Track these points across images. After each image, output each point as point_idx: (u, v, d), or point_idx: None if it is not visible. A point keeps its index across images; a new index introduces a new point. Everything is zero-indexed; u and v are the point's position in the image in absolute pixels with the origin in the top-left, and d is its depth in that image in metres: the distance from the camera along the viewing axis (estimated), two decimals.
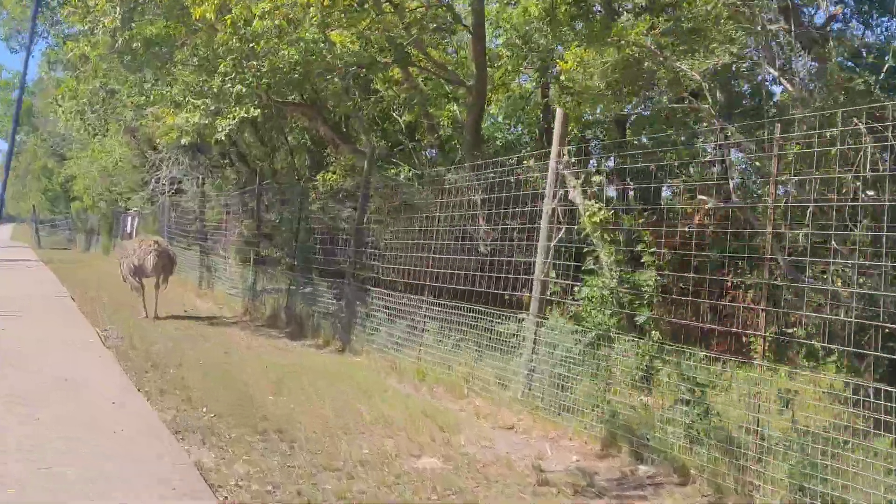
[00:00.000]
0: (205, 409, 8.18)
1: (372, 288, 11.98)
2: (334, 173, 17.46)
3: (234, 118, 11.71)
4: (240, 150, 21.65)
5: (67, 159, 38.13)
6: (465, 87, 14.42)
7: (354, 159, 16.89)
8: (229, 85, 11.96)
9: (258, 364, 10.77)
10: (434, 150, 17.24)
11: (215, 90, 12.07)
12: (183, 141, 12.32)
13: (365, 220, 12.50)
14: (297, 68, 12.69)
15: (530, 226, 9.44)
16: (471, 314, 9.79)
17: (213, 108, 11.87)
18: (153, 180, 24.43)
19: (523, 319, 9.20)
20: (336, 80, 15.85)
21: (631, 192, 12.06)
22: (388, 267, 11.82)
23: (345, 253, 13.54)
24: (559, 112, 9.19)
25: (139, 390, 8.96)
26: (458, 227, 10.89)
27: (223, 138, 11.97)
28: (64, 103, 19.27)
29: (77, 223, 48.78)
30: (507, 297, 10.00)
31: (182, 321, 15.07)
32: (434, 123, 15.94)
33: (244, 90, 11.96)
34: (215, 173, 23.10)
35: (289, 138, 20.74)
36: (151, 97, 13.27)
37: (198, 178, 23.38)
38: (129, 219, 34.58)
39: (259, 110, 12.03)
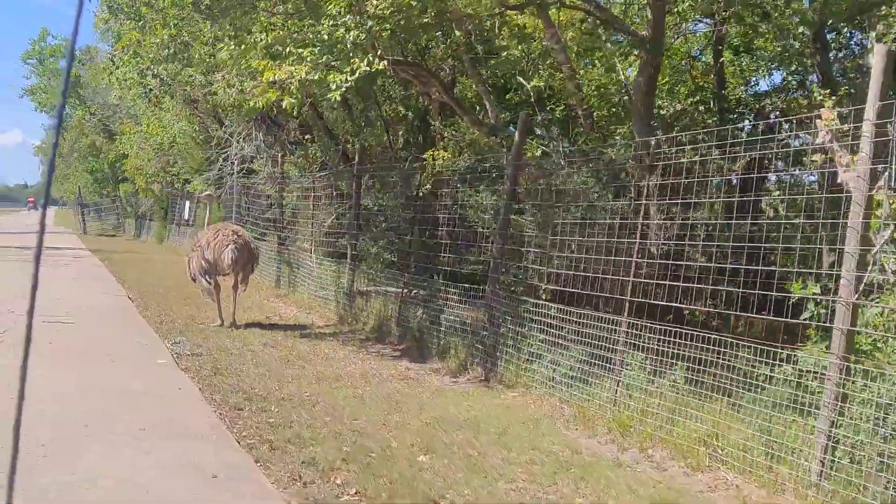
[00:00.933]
0: (339, 482, 5.50)
1: (528, 299, 8.86)
2: (445, 150, 14.41)
3: (352, 72, 8.65)
4: (326, 124, 18.57)
5: (117, 136, 35.17)
6: (632, 38, 11.20)
7: (476, 134, 13.83)
8: (343, 30, 8.92)
9: (384, 403, 7.88)
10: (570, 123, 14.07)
11: (325, 36, 9.02)
12: (284, 103, 9.22)
13: (512, 209, 9.38)
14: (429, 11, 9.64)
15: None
16: (710, 347, 6.71)
17: (322, 59, 8.81)
18: (220, 159, 21.52)
19: (800, 358, 6.19)
20: (456, 32, 12.79)
21: None
22: (556, 272, 8.69)
23: (481, 251, 10.45)
24: (880, 51, 5.96)
25: (240, 443, 6.26)
26: (679, 221, 7.76)
27: (337, 98, 8.85)
28: (122, 65, 16.39)
29: (126, 208, 45.41)
30: (757, 321, 6.94)
31: (267, 332, 12.12)
32: (579, 88, 12.72)
33: (362, 37, 8.91)
34: (295, 151, 20.11)
35: (383, 109, 17.65)
36: (242, 48, 10.21)
37: (274, 156, 20.45)
38: (189, 203, 31.84)
39: (384, 63, 8.93)
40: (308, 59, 8.85)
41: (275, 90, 9.12)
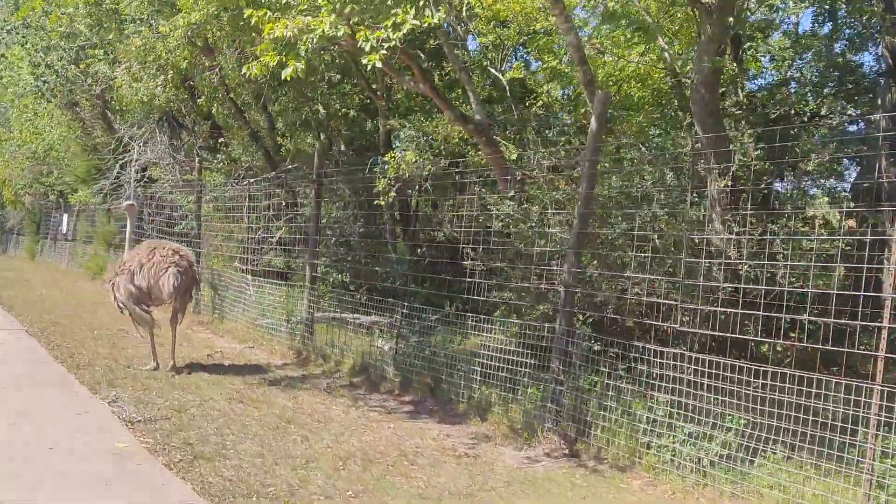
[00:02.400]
0: None
1: (649, 345, 6.62)
2: (416, 152, 12.12)
3: (395, 27, 6.24)
4: (250, 123, 15.87)
5: None
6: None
7: (445, 133, 11.63)
8: None
9: None
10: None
11: None
12: (286, 72, 6.57)
13: (588, 221, 7.17)
14: None
15: None
16: None
17: (346, 9, 6.39)
18: (118, 166, 18.51)
19: None
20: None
21: None
22: (657, 302, 6.52)
23: (519, 274, 8.22)
24: None
25: None
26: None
27: (377, 63, 6.30)
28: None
29: None
30: None
31: (218, 377, 9.63)
32: (590, 75, 10.60)
33: None
34: (210, 156, 17.37)
35: (320, 108, 15.14)
36: None
37: (181, 161, 17.65)
38: (66, 216, 28.35)
39: (441, 12, 6.55)
40: (326, 7, 6.38)
41: (273, 53, 6.56)
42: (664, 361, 6.09)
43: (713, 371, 5.73)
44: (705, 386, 5.73)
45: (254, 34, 10.12)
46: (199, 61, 14.15)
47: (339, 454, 6.59)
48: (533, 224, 8.12)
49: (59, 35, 13.95)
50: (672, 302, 6.38)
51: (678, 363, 5.94)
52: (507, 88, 13.11)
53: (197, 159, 15.46)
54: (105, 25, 12.05)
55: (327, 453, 6.58)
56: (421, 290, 9.46)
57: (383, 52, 6.24)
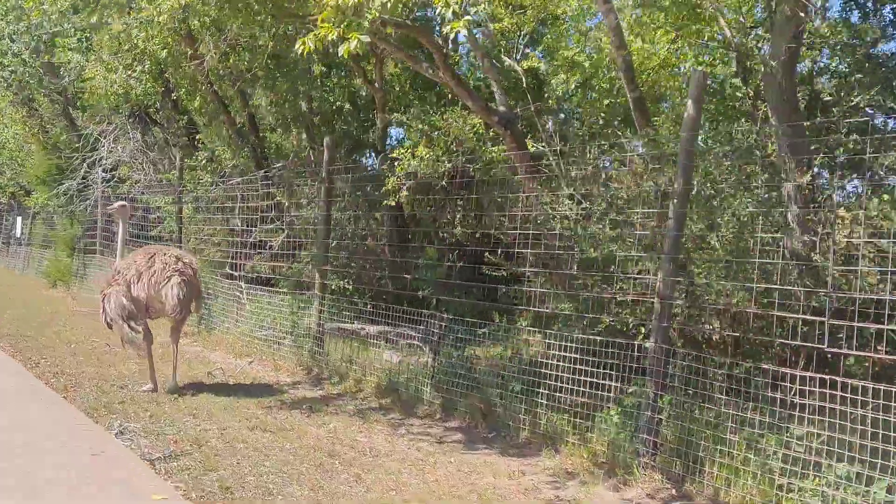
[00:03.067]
0: None
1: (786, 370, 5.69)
2: (430, 147, 11.19)
3: None
4: (233, 117, 14.68)
5: None
6: None
7: (474, 126, 10.69)
8: None
9: None
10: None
11: None
12: (343, 49, 5.47)
13: (684, 216, 6.24)
14: None
15: None
16: None
17: None
18: (86, 165, 17.18)
19: None
20: None
21: None
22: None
23: (591, 282, 7.25)
24: None
25: None
26: None
27: (463, 31, 5.24)
28: None
29: None
30: None
31: (227, 399, 8.59)
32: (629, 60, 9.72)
33: None
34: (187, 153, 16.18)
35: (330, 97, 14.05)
36: None
37: (155, 160, 16.46)
38: (20, 219, 26.87)
39: None
40: None
41: (331, 25, 5.47)
42: (806, 388, 5.14)
43: (873, 400, 4.80)
44: (866, 418, 4.79)
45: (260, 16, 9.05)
46: (180, 50, 12.97)
47: (408, 498, 5.57)
48: (606, 226, 7.14)
49: (28, 22, 12.69)
50: (817, 318, 5.41)
51: (825, 390, 4.99)
52: (524, 79, 12.16)
53: (178, 156, 14.24)
54: (82, 9, 10.83)
55: (394, 499, 5.55)
56: (463, 300, 8.43)
57: (468, 18, 5.22)
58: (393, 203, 11.07)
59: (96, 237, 17.22)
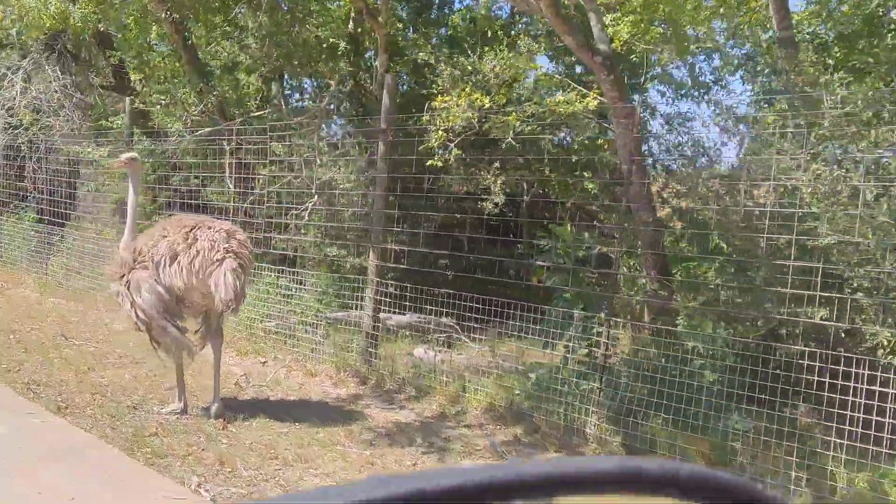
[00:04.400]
0: None
1: None
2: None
3: None
4: (196, 52, 11.88)
5: None
6: None
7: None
8: None
9: None
10: None
11: None
12: None
13: None
14: None
15: None
16: None
17: None
18: None
19: None
20: None
21: None
22: None
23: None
24: None
25: None
26: None
27: None
28: None
29: None
30: None
31: (295, 427, 6.41)
32: None
33: None
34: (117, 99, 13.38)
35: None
36: None
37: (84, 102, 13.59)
38: None
39: None
40: None
41: None
42: None
43: None
44: None
45: None
46: None
47: None
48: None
49: None
50: None
51: None
52: None
53: (129, 98, 11.47)
54: None
55: None
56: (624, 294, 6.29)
57: None
58: (440, 164, 8.90)
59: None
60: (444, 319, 8.00)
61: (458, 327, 7.96)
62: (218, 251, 6.16)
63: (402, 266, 8.25)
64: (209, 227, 6.36)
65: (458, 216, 9.44)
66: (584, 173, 10.94)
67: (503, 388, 6.83)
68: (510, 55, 9.77)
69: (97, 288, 11.34)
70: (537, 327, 6.68)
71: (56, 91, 13.69)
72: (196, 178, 11.05)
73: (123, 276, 6.34)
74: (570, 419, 6.17)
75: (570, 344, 6.41)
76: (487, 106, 8.76)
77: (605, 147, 10.82)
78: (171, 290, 6.22)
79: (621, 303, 6.19)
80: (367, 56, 12.50)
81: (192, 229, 6.32)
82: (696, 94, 13.56)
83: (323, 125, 9.53)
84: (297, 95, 14.33)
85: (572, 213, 10.67)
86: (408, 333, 8.59)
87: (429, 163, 8.83)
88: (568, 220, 8.44)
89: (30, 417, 5.88)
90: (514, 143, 8.82)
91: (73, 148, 12.82)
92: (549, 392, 6.39)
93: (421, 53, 10.91)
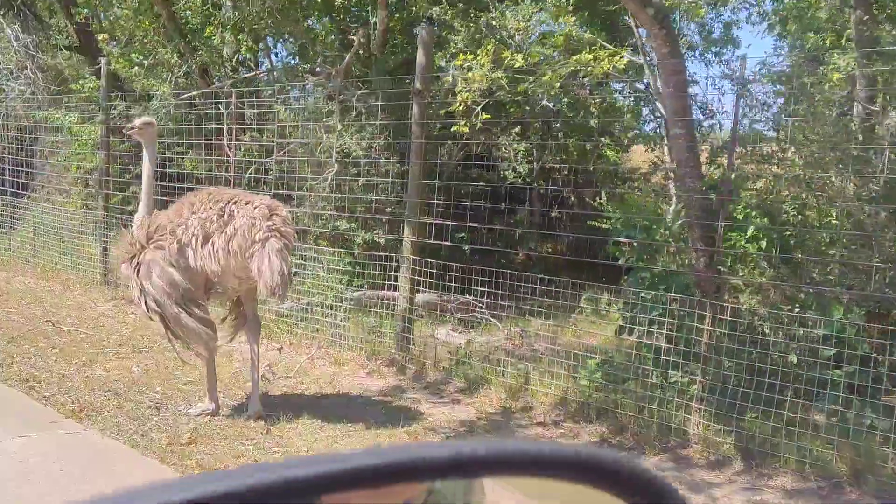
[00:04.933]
0: None
1: None
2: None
3: None
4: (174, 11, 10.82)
5: None
6: None
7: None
8: None
9: None
10: None
11: None
12: None
13: None
14: None
15: None
16: None
17: None
18: None
19: None
20: None
21: None
22: None
23: None
24: None
25: None
26: None
27: None
28: None
29: None
30: None
31: (345, 426, 5.64)
32: None
33: None
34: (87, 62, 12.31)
35: None
36: None
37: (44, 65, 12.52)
38: None
39: None
40: None
41: None
42: None
43: None
44: None
45: None
46: None
47: None
48: None
49: None
50: None
51: None
52: None
53: (104, 60, 10.41)
54: None
55: None
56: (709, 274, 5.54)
57: None
58: (465, 129, 8.07)
59: None
60: (502, 303, 7.23)
61: (514, 309, 7.16)
62: (260, 230, 5.30)
63: (446, 243, 7.43)
64: (247, 203, 5.48)
65: (504, 186, 8.65)
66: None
67: (572, 378, 6.09)
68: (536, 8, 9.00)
69: (72, 266, 10.38)
70: (614, 310, 5.95)
71: (16, 52, 12.58)
72: (179, 145, 10.07)
73: (134, 256, 5.46)
74: (664, 416, 5.45)
75: (654, 330, 5.68)
76: (519, 65, 7.95)
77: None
78: (195, 274, 5.35)
79: (719, 283, 5.44)
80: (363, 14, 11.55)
81: (226, 204, 5.44)
82: None
83: (339, 86, 8.56)
84: (283, 54, 13.36)
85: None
86: (447, 317, 7.80)
87: (453, 128, 8.01)
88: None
89: (54, 428, 4.98)
90: (549, 105, 8.06)
91: (40, 113, 11.75)
92: (635, 385, 5.67)
93: (435, 8, 10.00)
